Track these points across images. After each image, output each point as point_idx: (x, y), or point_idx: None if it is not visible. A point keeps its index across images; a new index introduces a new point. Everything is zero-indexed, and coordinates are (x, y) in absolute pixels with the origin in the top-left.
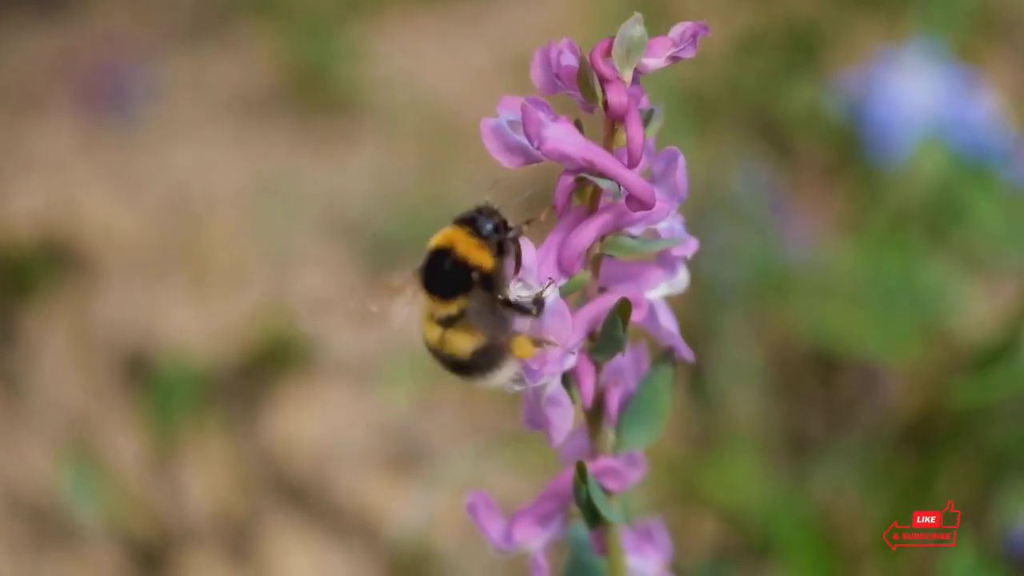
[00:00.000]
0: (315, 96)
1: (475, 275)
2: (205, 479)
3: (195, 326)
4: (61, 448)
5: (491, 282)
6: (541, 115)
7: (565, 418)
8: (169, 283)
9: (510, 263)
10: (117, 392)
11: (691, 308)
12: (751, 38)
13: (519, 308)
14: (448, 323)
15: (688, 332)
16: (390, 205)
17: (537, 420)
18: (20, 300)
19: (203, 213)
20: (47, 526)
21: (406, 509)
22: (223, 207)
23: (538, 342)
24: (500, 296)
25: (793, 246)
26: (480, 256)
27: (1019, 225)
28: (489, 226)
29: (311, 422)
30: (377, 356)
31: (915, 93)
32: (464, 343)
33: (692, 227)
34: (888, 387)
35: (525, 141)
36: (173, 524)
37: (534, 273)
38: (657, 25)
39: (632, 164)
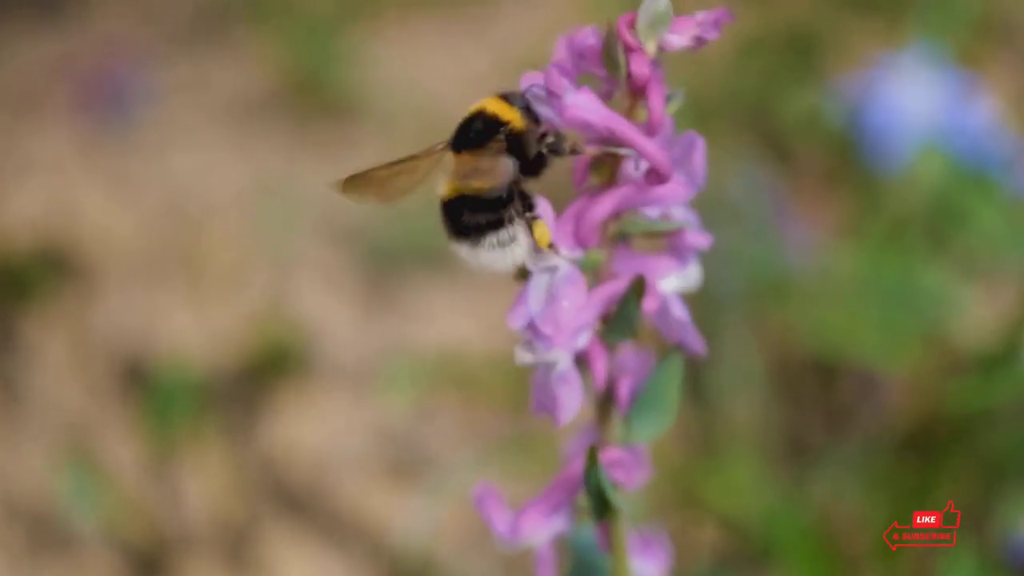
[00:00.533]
0: (314, 100)
1: (504, 129)
2: (204, 485)
3: (194, 331)
4: (59, 453)
5: (519, 141)
6: (564, 82)
7: (574, 397)
8: (167, 288)
9: (536, 129)
10: (115, 397)
11: (691, 312)
12: (751, 43)
13: (553, 150)
14: (472, 174)
15: None
16: (389, 210)
17: (545, 403)
18: (18, 304)
19: (202, 217)
20: (45, 532)
21: (407, 517)
22: (222, 211)
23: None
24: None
25: (793, 251)
26: (511, 115)
27: (1019, 231)
28: (527, 100)
29: (310, 428)
30: (376, 361)
31: (914, 99)
32: (484, 182)
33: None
34: (888, 392)
35: (547, 113)
36: (171, 530)
37: (552, 231)
38: None
39: (652, 132)
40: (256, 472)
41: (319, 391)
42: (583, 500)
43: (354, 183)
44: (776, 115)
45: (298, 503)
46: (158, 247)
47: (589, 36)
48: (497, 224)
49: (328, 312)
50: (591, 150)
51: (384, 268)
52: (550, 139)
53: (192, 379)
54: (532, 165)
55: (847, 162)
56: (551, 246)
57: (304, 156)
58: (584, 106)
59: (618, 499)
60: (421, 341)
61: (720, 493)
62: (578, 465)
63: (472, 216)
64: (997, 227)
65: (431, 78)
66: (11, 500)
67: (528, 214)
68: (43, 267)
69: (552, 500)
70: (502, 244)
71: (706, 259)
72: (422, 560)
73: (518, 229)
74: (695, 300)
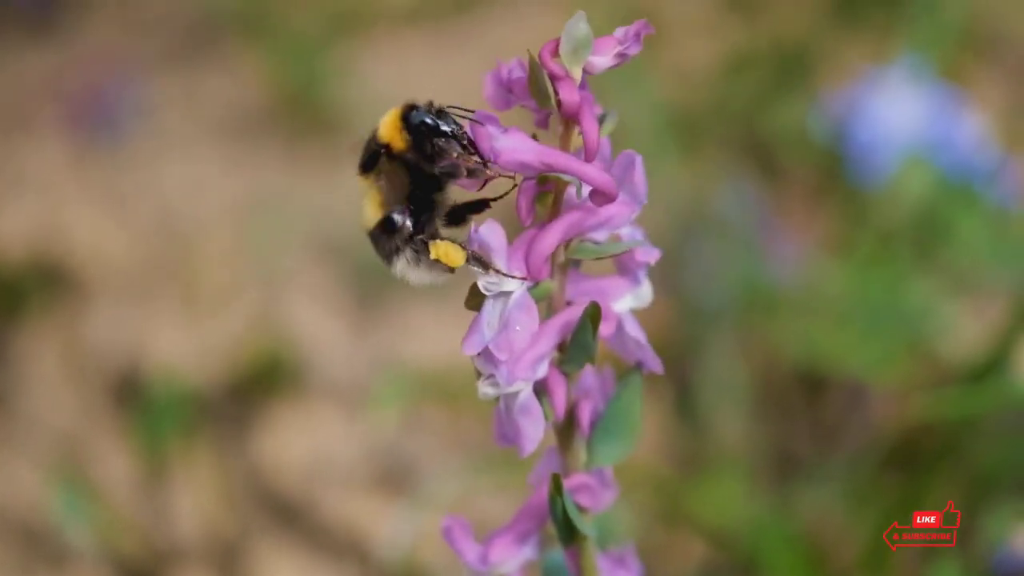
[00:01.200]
0: (305, 116)
1: (384, 152)
2: (195, 499)
3: (185, 345)
4: (51, 468)
5: (407, 161)
6: (492, 129)
7: (537, 427)
8: (159, 303)
9: (427, 154)
10: (107, 412)
11: (677, 327)
12: (738, 58)
13: (449, 174)
14: (367, 197)
15: (674, 351)
16: None
17: (508, 434)
18: (10, 319)
19: (193, 233)
20: (37, 546)
21: (393, 528)
22: (213, 227)
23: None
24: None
25: (780, 265)
26: (391, 135)
27: (1004, 244)
28: (419, 118)
29: (300, 442)
30: (366, 376)
31: (901, 113)
32: (372, 212)
33: (678, 246)
34: (874, 406)
35: (442, 143)
36: (163, 544)
37: (503, 257)
38: (647, 44)
39: (589, 157)
40: (247, 486)
41: (309, 405)
42: (551, 527)
43: None
44: (763, 129)
45: (288, 516)
46: (150, 262)
47: (516, 69)
48: (398, 248)
49: (318, 327)
50: (490, 172)
51: (373, 284)
52: (444, 163)
53: (183, 393)
54: (428, 186)
55: (834, 176)
56: (478, 264)
57: (295, 171)
58: (516, 147)
59: (585, 525)
60: (410, 356)
61: (707, 507)
62: (544, 492)
63: (385, 238)
64: (983, 241)
65: (420, 93)
66: (3, 514)
67: (419, 236)
68: (35, 281)
69: (520, 528)
70: (414, 264)
71: (693, 274)
72: (409, 572)
73: (417, 250)
74: (682, 315)
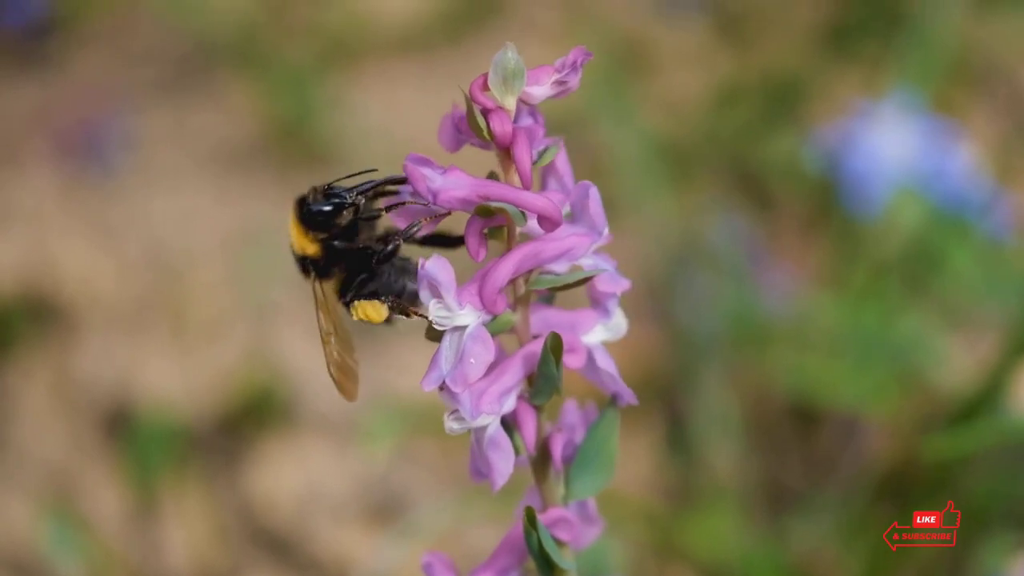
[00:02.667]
0: (295, 147)
1: (308, 261)
2: (185, 532)
3: (175, 379)
4: (41, 501)
5: (320, 263)
6: (427, 171)
7: (507, 461)
8: (149, 336)
9: (341, 238)
10: (97, 445)
11: (670, 359)
12: (729, 89)
13: (386, 254)
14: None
15: (666, 383)
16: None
17: (482, 469)
18: None
19: (183, 265)
20: None
21: (383, 560)
22: (203, 259)
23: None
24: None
25: (771, 297)
26: (304, 245)
27: (997, 277)
28: (310, 214)
29: (291, 475)
30: (357, 410)
31: (893, 145)
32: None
33: (670, 277)
34: (867, 438)
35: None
36: None
37: (451, 291)
38: (639, 75)
39: (525, 185)
40: (237, 519)
41: (300, 438)
42: (531, 562)
43: (346, 388)
44: (755, 161)
45: (279, 549)
46: (139, 295)
47: (463, 111)
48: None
49: (309, 360)
50: (416, 231)
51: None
52: (374, 243)
53: (174, 426)
54: (358, 254)
55: (826, 208)
56: (406, 311)
57: (286, 203)
58: (452, 185)
59: (563, 559)
60: (401, 389)
61: (700, 540)
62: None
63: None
64: (975, 273)
65: (409, 124)
66: None
67: (344, 300)
68: (24, 314)
69: (501, 563)
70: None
71: (684, 306)
72: None
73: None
74: (674, 347)
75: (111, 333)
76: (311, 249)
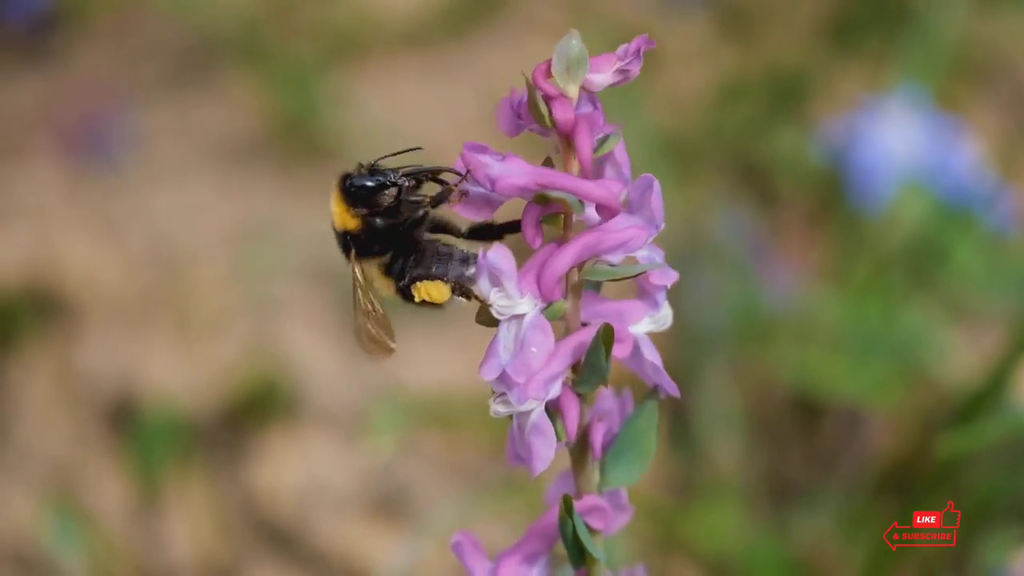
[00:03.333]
0: (299, 142)
1: (349, 237)
2: (188, 526)
3: (178, 373)
4: (44, 495)
5: (361, 239)
6: (485, 158)
7: (548, 447)
8: (152, 330)
9: (381, 212)
10: (100, 439)
11: (673, 354)
12: (734, 84)
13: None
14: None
15: (670, 378)
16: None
17: (520, 453)
18: (3, 347)
19: (186, 260)
20: (30, 573)
21: (391, 557)
22: (206, 254)
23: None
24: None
25: (775, 292)
26: (345, 221)
27: (1000, 271)
28: (353, 189)
29: (295, 468)
30: (361, 403)
31: (897, 140)
32: (382, 286)
33: (675, 272)
34: (870, 433)
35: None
36: (156, 571)
37: (513, 280)
38: (642, 71)
39: (585, 175)
40: (241, 512)
41: (304, 432)
42: (560, 548)
43: (375, 351)
44: (759, 156)
45: (283, 543)
46: (143, 289)
47: (524, 95)
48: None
49: (312, 353)
50: (454, 199)
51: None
52: (410, 204)
53: (177, 420)
54: (402, 234)
55: (830, 203)
56: (468, 293)
57: (290, 198)
58: (511, 172)
59: (595, 547)
60: (405, 382)
61: (703, 534)
62: (555, 513)
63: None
64: (979, 267)
65: (414, 119)
66: None
67: (401, 283)
68: (28, 310)
69: (529, 548)
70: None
71: (688, 301)
72: None
73: (404, 296)
74: (677, 341)
75: (114, 327)
76: (352, 224)
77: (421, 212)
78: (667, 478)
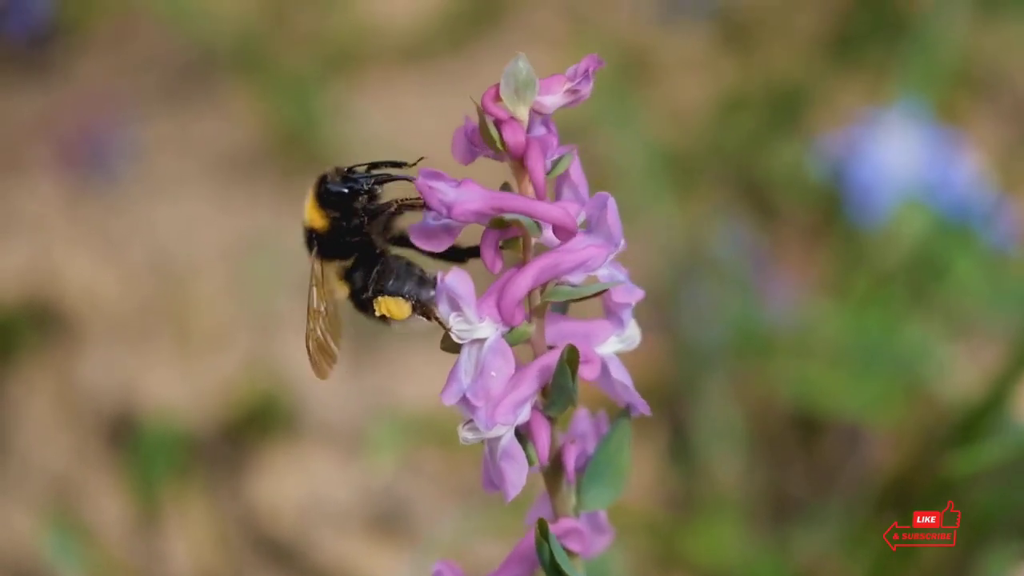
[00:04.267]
0: (298, 155)
1: (314, 235)
2: (188, 541)
3: (178, 387)
4: (44, 509)
5: (326, 240)
6: (439, 184)
7: (519, 472)
8: (152, 344)
9: (349, 218)
10: (100, 454)
11: (672, 369)
12: (734, 97)
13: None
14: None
15: (669, 392)
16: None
17: (494, 480)
18: (2, 361)
19: (186, 273)
20: None
21: (391, 573)
22: (206, 267)
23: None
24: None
25: (775, 307)
26: (314, 219)
27: (1001, 286)
28: (326, 191)
29: (294, 484)
30: (360, 419)
31: (897, 154)
32: (339, 287)
33: (674, 287)
34: (870, 449)
35: (442, 219)
36: None
37: (471, 304)
38: (642, 84)
39: (539, 196)
40: (240, 528)
41: (303, 447)
42: (541, 572)
43: (319, 366)
44: (758, 170)
45: (282, 559)
46: (143, 303)
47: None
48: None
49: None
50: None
51: (368, 326)
52: (376, 210)
53: (177, 435)
54: (366, 244)
55: (830, 217)
56: (428, 313)
57: (289, 211)
58: (466, 198)
59: (574, 570)
60: (405, 399)
61: (702, 550)
62: (532, 537)
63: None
64: (980, 282)
65: (413, 132)
66: None
67: (364, 295)
68: (27, 323)
69: (511, 572)
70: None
71: (688, 315)
72: None
73: (364, 308)
74: (677, 356)
75: (114, 341)
76: (319, 224)
77: (385, 218)
78: (666, 493)
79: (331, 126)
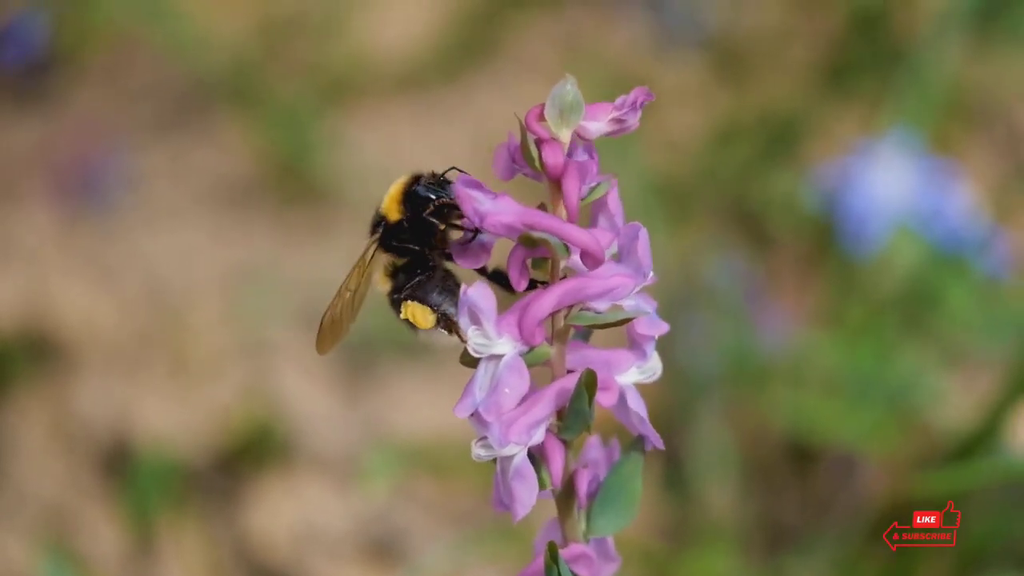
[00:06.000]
0: (293, 186)
1: (383, 223)
2: (183, 570)
3: (174, 417)
4: (39, 539)
5: (391, 231)
6: (476, 193)
7: (530, 492)
8: (147, 374)
9: (420, 223)
10: (95, 482)
11: (667, 398)
12: (727, 127)
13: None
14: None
15: (663, 422)
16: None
17: (503, 498)
18: None
19: (181, 303)
20: None
21: None
22: (201, 297)
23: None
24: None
25: (769, 336)
26: (391, 209)
27: (994, 315)
28: (414, 192)
29: (289, 513)
30: (355, 447)
31: (891, 184)
32: (380, 279)
33: (667, 316)
34: (864, 478)
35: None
36: None
37: (491, 319)
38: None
39: (571, 219)
40: (235, 557)
41: (298, 476)
42: None
43: (324, 341)
44: (753, 199)
45: None
46: (138, 332)
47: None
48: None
49: (307, 397)
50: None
51: (363, 355)
52: (436, 215)
53: (172, 464)
54: (422, 250)
55: (824, 247)
56: (451, 328)
57: (284, 241)
58: (500, 210)
59: None
60: (400, 427)
61: None
62: (541, 561)
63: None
64: (973, 311)
65: (407, 162)
66: None
67: (395, 295)
68: (22, 352)
69: None
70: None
71: (682, 344)
72: None
73: (395, 308)
74: (671, 385)
75: (110, 371)
76: (393, 215)
77: (439, 232)
78: (660, 523)
79: (326, 156)
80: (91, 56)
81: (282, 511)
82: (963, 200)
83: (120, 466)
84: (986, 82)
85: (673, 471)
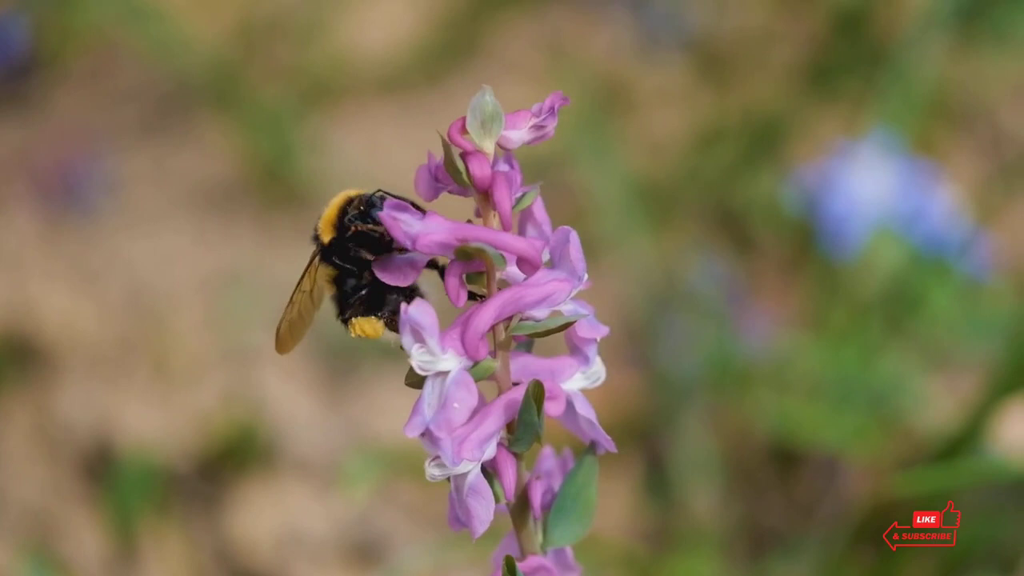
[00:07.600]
0: (275, 189)
1: (318, 242)
2: (165, 574)
3: (155, 421)
4: (20, 543)
5: (328, 251)
6: (404, 216)
7: (487, 508)
8: (129, 378)
9: (350, 243)
10: (77, 488)
11: (649, 401)
12: (710, 130)
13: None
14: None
15: (646, 425)
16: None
17: (461, 517)
18: None
19: (163, 307)
20: None
21: None
22: (183, 301)
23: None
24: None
25: (752, 339)
26: (325, 230)
27: (976, 317)
28: (349, 214)
29: (271, 517)
30: (337, 452)
31: (873, 186)
32: (328, 290)
33: (650, 319)
34: (847, 481)
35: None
36: None
37: (434, 336)
38: (619, 115)
39: (504, 228)
40: (218, 561)
41: (280, 480)
42: None
43: (284, 344)
44: (735, 202)
45: None
46: (120, 337)
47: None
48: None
49: (289, 402)
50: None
51: (345, 360)
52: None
53: (154, 469)
54: (358, 267)
55: (806, 249)
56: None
57: (266, 244)
58: (431, 229)
59: None
60: (381, 431)
61: None
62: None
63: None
64: (955, 314)
65: (391, 163)
66: None
67: (341, 317)
68: (4, 357)
69: None
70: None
71: (664, 348)
72: None
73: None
74: (654, 389)
75: (91, 375)
76: (326, 236)
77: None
78: (643, 527)
79: (307, 159)
80: (73, 60)
81: (264, 515)
82: (945, 201)
83: (102, 471)
84: (969, 83)
85: (655, 475)
